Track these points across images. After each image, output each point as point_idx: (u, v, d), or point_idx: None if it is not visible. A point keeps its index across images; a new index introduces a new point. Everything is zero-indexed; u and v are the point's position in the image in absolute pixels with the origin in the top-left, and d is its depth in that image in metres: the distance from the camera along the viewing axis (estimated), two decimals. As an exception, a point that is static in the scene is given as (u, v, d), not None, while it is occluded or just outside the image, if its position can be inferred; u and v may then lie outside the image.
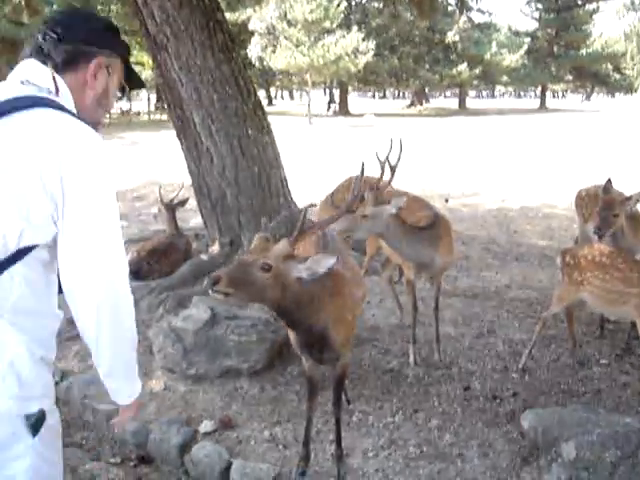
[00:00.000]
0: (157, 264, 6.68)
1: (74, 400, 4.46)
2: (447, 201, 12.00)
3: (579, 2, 61.04)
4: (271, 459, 3.80)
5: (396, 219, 4.52)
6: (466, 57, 54.19)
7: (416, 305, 5.11)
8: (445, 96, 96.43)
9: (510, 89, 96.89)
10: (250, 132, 6.62)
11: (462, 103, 63.22)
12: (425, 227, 4.80)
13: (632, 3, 58.04)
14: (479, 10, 69.98)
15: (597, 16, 70.75)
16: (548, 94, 74.05)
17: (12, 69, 2.05)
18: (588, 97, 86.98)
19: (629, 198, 4.93)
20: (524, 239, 9.43)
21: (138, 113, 45.90)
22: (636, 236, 5.05)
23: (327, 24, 43.78)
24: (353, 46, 43.94)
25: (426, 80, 55.45)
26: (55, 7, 27.61)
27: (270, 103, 61.42)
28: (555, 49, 62.69)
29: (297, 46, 43.05)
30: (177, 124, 6.85)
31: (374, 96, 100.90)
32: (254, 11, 42.47)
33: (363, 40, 45.00)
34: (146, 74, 36.48)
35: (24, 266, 1.90)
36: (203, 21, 6.28)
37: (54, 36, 2.02)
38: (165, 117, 33.61)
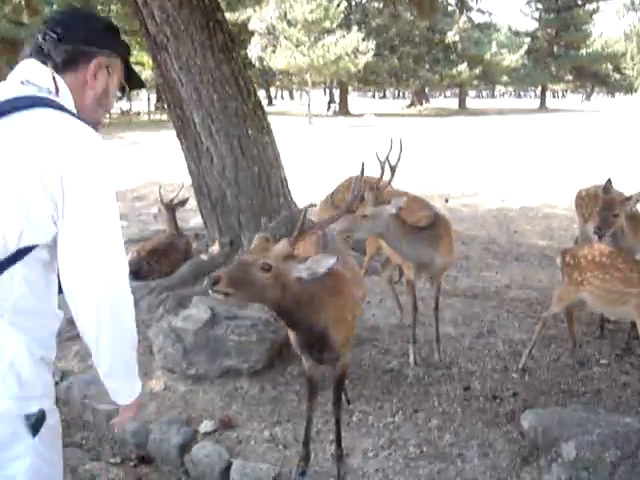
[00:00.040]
0: (157, 264, 6.68)
1: (74, 400, 4.46)
2: (447, 201, 12.00)
3: (579, 2, 61.04)
4: (271, 459, 3.80)
5: (396, 219, 4.52)
6: (466, 57, 54.20)
7: (416, 305, 5.10)
8: (445, 96, 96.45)
9: (510, 89, 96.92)
10: (250, 132, 6.62)
11: (462, 103, 63.22)
12: (425, 227, 4.80)
13: (632, 3, 58.03)
14: (479, 10, 70.03)
15: (597, 16, 70.90)
16: (548, 94, 74.07)
17: (12, 69, 2.05)
18: (588, 97, 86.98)
19: (629, 198, 4.93)
20: (524, 239, 9.43)
21: (138, 113, 45.91)
22: (636, 236, 5.05)
23: (327, 24, 43.79)
24: (353, 46, 43.94)
25: (426, 80, 55.45)
26: (55, 7, 27.61)
27: (270, 103, 61.42)
28: (555, 49, 62.70)
29: (297, 46, 43.06)
30: (177, 124, 6.85)
31: (374, 96, 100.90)
32: (254, 11, 42.47)
33: (363, 40, 45.01)
34: (146, 74, 36.49)
35: (24, 266, 1.90)
36: (203, 21, 6.28)
37: (54, 36, 2.02)
38: (165, 117, 33.63)
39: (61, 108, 1.93)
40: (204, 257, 6.85)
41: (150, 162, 18.56)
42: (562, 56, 62.03)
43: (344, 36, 43.90)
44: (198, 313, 4.95)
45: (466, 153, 21.23)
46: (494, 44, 55.65)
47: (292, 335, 3.44)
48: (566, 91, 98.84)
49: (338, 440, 3.71)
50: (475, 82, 63.21)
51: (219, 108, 6.47)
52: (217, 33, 6.41)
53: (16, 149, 1.83)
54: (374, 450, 3.87)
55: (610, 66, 66.42)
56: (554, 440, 3.58)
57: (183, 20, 6.18)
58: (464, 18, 55.23)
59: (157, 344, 4.91)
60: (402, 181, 5.39)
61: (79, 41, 2.05)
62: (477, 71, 54.59)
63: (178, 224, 7.32)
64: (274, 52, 43.98)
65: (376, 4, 52.72)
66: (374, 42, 46.26)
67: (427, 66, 54.74)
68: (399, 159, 4.91)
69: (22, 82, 1.96)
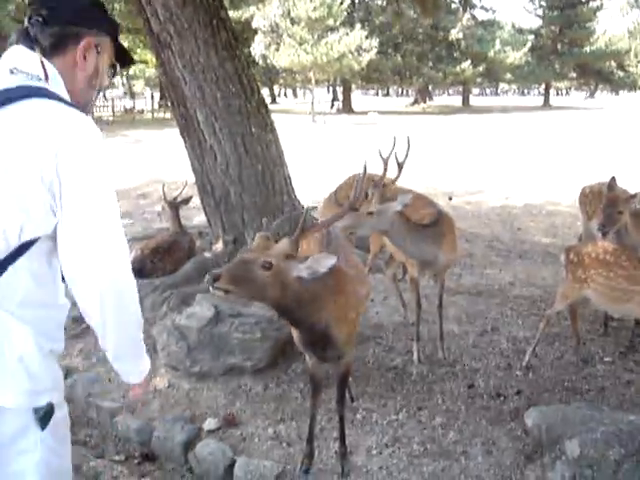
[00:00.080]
0: (161, 262, 6.68)
1: (78, 398, 4.46)
2: (451, 199, 12.00)
3: (582, -1, 61.01)
4: (275, 457, 3.81)
5: (400, 216, 4.51)
6: (470, 55, 54.08)
7: (420, 303, 5.11)
8: (449, 94, 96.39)
9: (514, 87, 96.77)
10: (254, 130, 6.63)
11: (466, 101, 63.14)
12: (429, 225, 4.80)
13: (636, 0, 57.89)
14: (482, 7, 69.60)
15: (601, 13, 70.40)
16: (552, 92, 74.01)
17: None
18: (592, 95, 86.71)
19: (633, 196, 4.92)
20: (528, 237, 9.42)
21: (142, 111, 45.90)
22: (640, 234, 5.05)
23: (330, 22, 43.71)
24: (356, 44, 43.90)
25: (429, 78, 55.34)
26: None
27: (274, 101, 61.43)
28: (559, 46, 62.53)
29: (300, 44, 43.00)
30: (181, 122, 6.85)
31: (377, 94, 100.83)
32: (257, 9, 42.44)
33: (366, 38, 44.96)
34: (149, 72, 36.50)
35: (27, 259, 1.90)
36: (206, 19, 6.28)
37: (39, 19, 1.99)
38: (169, 115, 33.55)
39: (57, 98, 1.91)
40: (208, 255, 6.85)
41: (154, 160, 18.56)
42: (566, 53, 61.87)
43: (347, 34, 43.84)
44: (202, 311, 4.95)
45: (470, 151, 21.21)
46: (497, 42, 55.55)
47: (295, 333, 3.45)
48: (570, 89, 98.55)
49: (342, 438, 3.71)
50: (479, 80, 63.01)
51: (223, 106, 6.47)
52: (220, 31, 6.40)
53: (12, 142, 1.81)
54: (378, 448, 3.87)
55: (614, 63, 66.19)
56: (558, 438, 3.57)
57: (186, 18, 6.18)
58: (467, 15, 55.09)
59: (161, 342, 4.91)
60: (406, 179, 5.39)
61: (65, 23, 2.02)
62: (481, 69, 54.48)
63: (182, 222, 7.31)
64: (277, 50, 43.93)
65: (379, 2, 52.77)
66: (377, 40, 46.25)
67: (430, 64, 54.61)
68: (407, 156, 4.90)
69: (11, 71, 1.93)
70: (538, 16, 64.73)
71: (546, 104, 62.91)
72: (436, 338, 5.15)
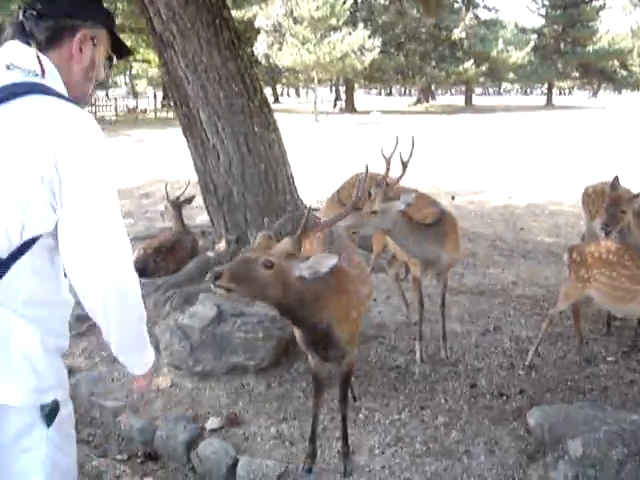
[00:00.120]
0: (163, 261, 6.68)
1: (81, 397, 4.46)
2: (453, 198, 11.99)
3: (585, -1, 60.93)
4: (277, 456, 3.80)
5: (403, 216, 4.51)
6: (472, 54, 54.07)
7: (422, 302, 5.10)
8: (451, 93, 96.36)
9: (516, 86, 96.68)
10: (256, 129, 6.63)
11: (468, 100, 63.10)
12: (431, 224, 4.79)
13: (639, -1, 57.83)
14: (485, 7, 70.01)
15: (604, 12, 70.37)
16: (555, 91, 73.90)
17: None
18: (595, 94, 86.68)
19: (637, 195, 4.91)
20: (530, 236, 9.42)
21: (144, 111, 45.91)
22: (643, 233, 5.04)
23: (333, 21, 43.69)
24: (359, 43, 43.89)
25: (432, 77, 55.31)
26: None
27: (276, 101, 61.42)
28: (562, 46, 62.50)
29: (303, 43, 43.00)
30: (183, 122, 6.86)
31: (380, 93, 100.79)
32: (260, 8, 42.43)
33: (369, 37, 44.96)
34: (152, 72, 36.54)
35: (30, 257, 1.89)
36: (209, 18, 6.28)
37: (34, 13, 1.97)
38: (171, 115, 33.63)
39: (54, 94, 1.90)
40: (210, 254, 6.85)
41: (156, 160, 18.58)
42: (569, 53, 61.85)
43: (350, 33, 43.82)
44: (204, 310, 4.96)
45: (472, 150, 21.20)
46: (500, 41, 55.54)
47: (297, 332, 3.45)
48: (573, 88, 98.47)
49: (344, 437, 3.71)
50: (481, 79, 63.03)
51: (225, 105, 6.47)
52: (223, 30, 6.41)
53: (11, 139, 1.81)
54: (380, 447, 3.87)
55: (617, 63, 66.17)
56: (560, 437, 3.57)
57: (189, 18, 6.19)
58: (470, 15, 55.10)
59: (164, 341, 4.92)
60: (409, 178, 5.38)
61: (61, 15, 2.00)
62: (483, 68, 54.49)
63: (184, 221, 7.32)
64: (280, 49, 43.94)
65: (382, 1, 52.69)
66: (380, 39, 46.26)
67: (433, 63, 54.58)
68: (411, 155, 4.89)
69: (7, 67, 1.92)
70: (541, 15, 64.70)
71: (549, 103, 62.88)
72: (439, 338, 5.15)
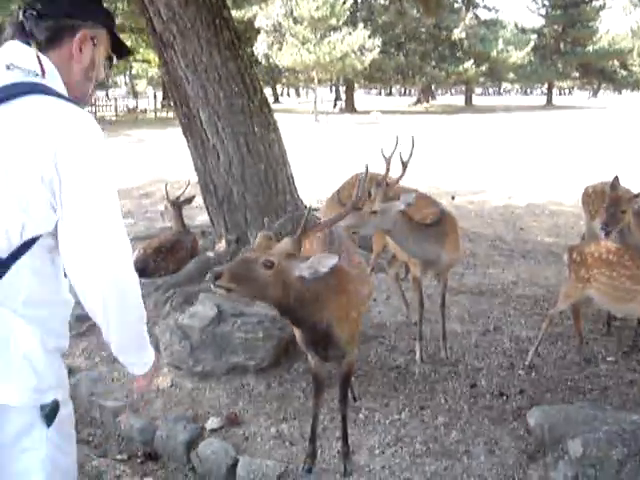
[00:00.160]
0: (163, 261, 6.68)
1: (81, 397, 4.46)
2: (453, 198, 11.99)
3: (585, -1, 60.93)
4: (277, 456, 3.80)
5: (403, 216, 4.51)
6: (472, 54, 54.08)
7: (422, 302, 5.10)
8: (451, 93, 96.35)
9: (516, 86, 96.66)
10: (256, 129, 6.63)
11: (468, 100, 63.09)
12: (431, 224, 4.79)
13: (639, -1, 57.83)
14: (485, 7, 70.04)
15: (604, 12, 70.28)
16: (555, 91, 73.93)
17: None
18: (595, 94, 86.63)
19: (637, 195, 4.91)
20: (530, 236, 9.42)
21: (144, 110, 45.93)
22: (643, 233, 5.04)
23: (333, 21, 43.70)
24: (359, 43, 43.91)
25: (432, 77, 55.31)
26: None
27: (276, 100, 61.43)
28: (562, 46, 62.50)
29: (303, 43, 43.01)
30: (183, 122, 6.86)
31: (380, 93, 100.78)
32: (260, 8, 42.46)
33: (369, 37, 44.98)
34: (152, 72, 36.55)
35: (30, 257, 1.89)
36: (209, 18, 6.29)
37: (34, 13, 1.97)
38: (171, 115, 33.65)
39: (55, 94, 1.90)
40: (210, 254, 6.85)
41: (156, 160, 18.58)
42: (569, 53, 61.85)
43: (350, 33, 43.84)
44: (204, 310, 4.96)
45: (472, 150, 21.20)
46: (500, 41, 55.54)
47: (297, 332, 3.45)
48: (573, 88, 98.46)
49: (344, 437, 3.71)
50: (481, 79, 63.03)
51: (225, 105, 6.48)
52: (223, 30, 6.41)
53: (11, 140, 1.81)
54: (380, 447, 3.87)
55: (617, 63, 66.18)
56: (560, 437, 3.57)
57: (189, 18, 6.19)
58: (470, 15, 55.13)
59: (164, 341, 4.92)
60: (409, 178, 5.38)
61: (61, 15, 2.00)
62: (483, 68, 54.50)
63: (184, 221, 7.32)
64: (280, 49, 43.96)
65: (382, 1, 52.70)
66: (380, 39, 46.30)
67: (433, 63, 54.59)
68: (411, 155, 4.89)
69: (7, 67, 1.92)
70: (541, 15, 64.68)
71: (549, 103, 62.89)
72: (439, 338, 5.15)
